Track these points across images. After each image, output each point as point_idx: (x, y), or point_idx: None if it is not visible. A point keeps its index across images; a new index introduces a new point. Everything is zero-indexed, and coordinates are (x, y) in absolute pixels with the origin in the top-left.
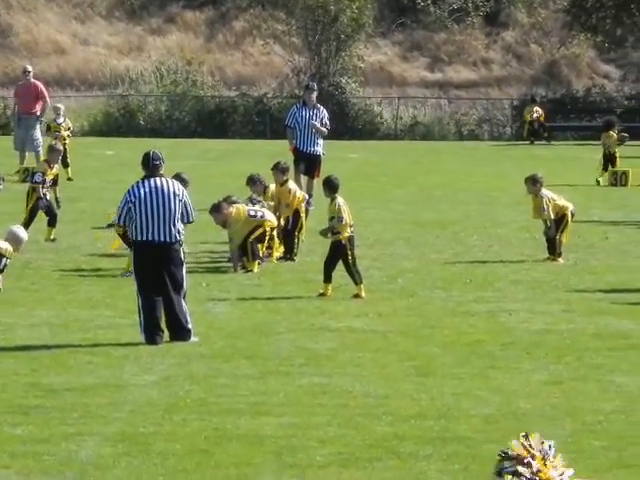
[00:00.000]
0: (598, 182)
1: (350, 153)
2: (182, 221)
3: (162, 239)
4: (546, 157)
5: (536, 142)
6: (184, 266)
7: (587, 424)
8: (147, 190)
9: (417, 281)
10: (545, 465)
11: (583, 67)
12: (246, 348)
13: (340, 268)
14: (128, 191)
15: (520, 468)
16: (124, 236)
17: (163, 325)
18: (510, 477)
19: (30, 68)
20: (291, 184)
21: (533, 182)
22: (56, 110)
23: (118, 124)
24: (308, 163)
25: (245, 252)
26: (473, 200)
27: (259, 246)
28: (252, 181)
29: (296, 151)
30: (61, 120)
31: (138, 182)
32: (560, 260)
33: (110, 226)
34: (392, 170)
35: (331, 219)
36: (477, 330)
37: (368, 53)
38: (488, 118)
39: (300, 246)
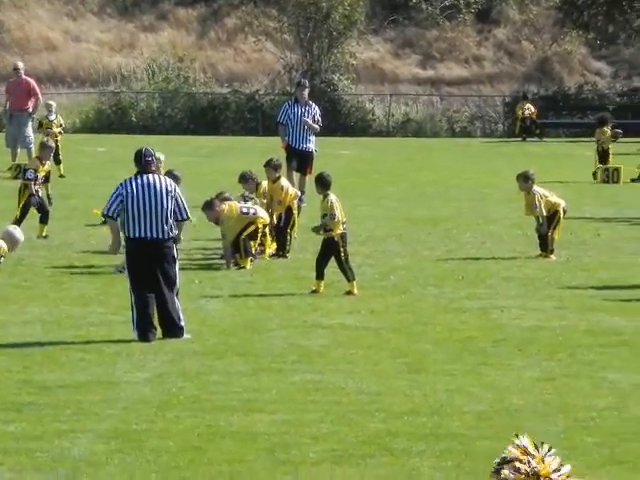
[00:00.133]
0: (595, 175)
1: (342, 150)
2: (177, 218)
3: (154, 236)
4: (538, 154)
5: (528, 139)
6: (177, 263)
7: (580, 420)
8: (139, 186)
9: (409, 278)
10: (543, 462)
11: (575, 64)
12: (239, 345)
13: (332, 265)
14: (120, 184)
15: (518, 464)
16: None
17: (156, 322)
18: (507, 472)
19: (21, 65)
20: (283, 181)
21: (525, 179)
22: (48, 107)
23: (110, 121)
24: (300, 160)
25: (238, 249)
26: (465, 197)
27: (251, 243)
28: (244, 178)
29: (288, 148)
30: (53, 117)
31: (130, 178)
32: (552, 257)
33: (105, 223)
34: (384, 167)
35: (323, 216)
36: (469, 327)
37: (360, 50)
38: (480, 115)
39: (292, 243)
